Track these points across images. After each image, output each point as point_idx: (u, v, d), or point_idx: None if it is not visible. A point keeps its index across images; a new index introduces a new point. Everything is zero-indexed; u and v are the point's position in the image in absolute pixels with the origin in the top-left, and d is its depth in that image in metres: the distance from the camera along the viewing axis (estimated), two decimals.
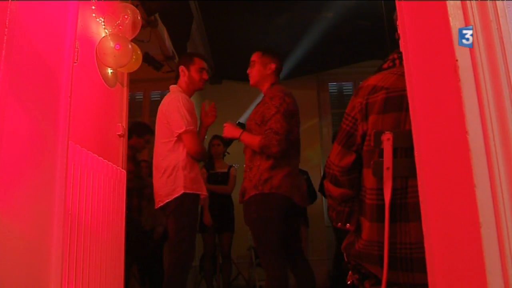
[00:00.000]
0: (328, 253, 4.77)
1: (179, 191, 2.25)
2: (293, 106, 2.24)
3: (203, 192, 2.38)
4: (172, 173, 2.27)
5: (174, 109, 2.30)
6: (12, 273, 1.14)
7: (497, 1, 0.81)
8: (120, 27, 2.19)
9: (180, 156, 2.29)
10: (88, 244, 1.71)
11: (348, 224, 1.29)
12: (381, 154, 1.18)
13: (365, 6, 3.77)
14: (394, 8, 1.16)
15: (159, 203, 2.32)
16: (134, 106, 4.77)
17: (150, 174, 2.58)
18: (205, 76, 2.50)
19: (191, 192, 2.28)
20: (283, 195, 2.14)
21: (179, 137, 2.30)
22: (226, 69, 5.13)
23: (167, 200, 2.26)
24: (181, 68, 2.48)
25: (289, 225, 2.22)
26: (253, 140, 2.21)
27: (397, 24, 1.15)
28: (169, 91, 2.52)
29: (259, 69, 2.34)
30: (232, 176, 3.98)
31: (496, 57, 0.79)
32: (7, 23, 1.07)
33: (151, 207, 2.84)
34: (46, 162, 1.34)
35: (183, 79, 2.47)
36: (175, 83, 2.51)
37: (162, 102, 2.46)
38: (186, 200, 2.26)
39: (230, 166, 4.02)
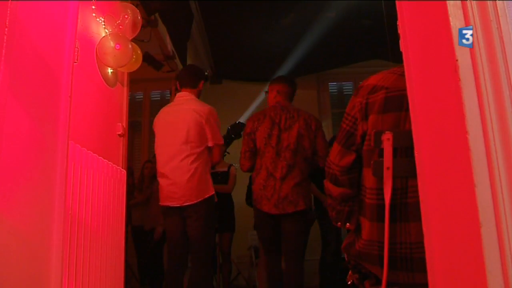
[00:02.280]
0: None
1: (210, 192, 2.51)
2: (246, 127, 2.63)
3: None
4: (202, 175, 2.48)
5: (216, 121, 2.58)
6: (12, 273, 1.14)
7: (497, 1, 0.81)
8: (120, 26, 2.19)
9: (205, 161, 2.52)
10: (88, 244, 1.71)
11: (348, 224, 1.30)
12: (381, 154, 1.18)
13: (366, 6, 3.77)
14: (394, 8, 1.16)
15: (186, 202, 2.45)
16: (134, 106, 4.77)
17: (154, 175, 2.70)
18: None
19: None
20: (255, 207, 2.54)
21: (212, 146, 2.54)
22: (226, 69, 5.12)
23: (198, 200, 2.44)
24: (202, 82, 2.73)
25: (284, 228, 2.50)
26: None
27: (397, 23, 1.15)
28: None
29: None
30: (232, 175, 3.97)
31: (496, 57, 0.79)
32: (7, 23, 1.07)
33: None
34: (46, 162, 1.34)
35: (199, 91, 2.72)
36: (179, 88, 2.68)
37: (189, 107, 2.57)
38: (212, 201, 2.51)
39: (230, 166, 4.02)
